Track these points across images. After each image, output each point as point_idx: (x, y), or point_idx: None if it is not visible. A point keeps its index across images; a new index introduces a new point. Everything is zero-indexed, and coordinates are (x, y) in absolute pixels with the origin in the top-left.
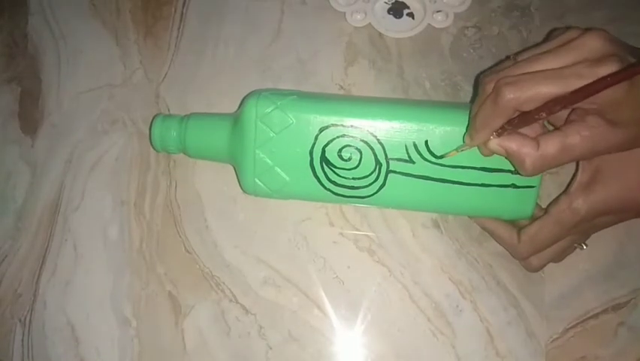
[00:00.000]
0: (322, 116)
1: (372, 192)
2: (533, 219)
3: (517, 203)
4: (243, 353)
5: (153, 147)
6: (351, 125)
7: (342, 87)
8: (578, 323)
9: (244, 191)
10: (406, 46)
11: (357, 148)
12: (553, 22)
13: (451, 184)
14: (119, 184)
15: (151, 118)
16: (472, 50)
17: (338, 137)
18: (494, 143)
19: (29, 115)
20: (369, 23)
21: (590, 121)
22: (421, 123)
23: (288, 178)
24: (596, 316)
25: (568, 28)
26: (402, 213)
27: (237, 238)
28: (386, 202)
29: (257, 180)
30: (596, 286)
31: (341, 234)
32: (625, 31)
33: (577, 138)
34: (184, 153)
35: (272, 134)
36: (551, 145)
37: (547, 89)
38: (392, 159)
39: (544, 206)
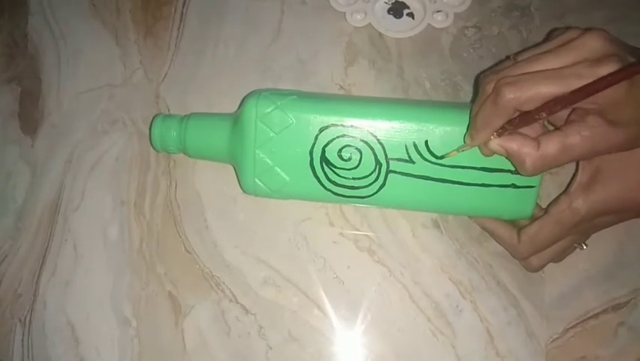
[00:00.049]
0: (322, 116)
1: (372, 192)
2: (533, 219)
3: (517, 203)
4: (243, 353)
5: (153, 147)
6: (351, 125)
7: (342, 87)
8: (578, 323)
9: (244, 191)
10: (406, 46)
11: (357, 148)
12: (553, 22)
13: (451, 184)
14: (119, 184)
15: (151, 118)
16: (472, 50)
17: (338, 137)
18: (495, 143)
19: (29, 115)
20: (369, 23)
21: (590, 121)
22: (421, 123)
23: (288, 178)
24: (596, 316)
25: (568, 28)
26: (402, 213)
27: (237, 238)
28: (386, 202)
29: (257, 180)
30: (596, 286)
31: (341, 234)
32: (625, 31)
33: (577, 137)
34: (184, 153)
35: (272, 134)
36: (552, 145)
37: (548, 89)
38: (392, 159)
39: (544, 206)
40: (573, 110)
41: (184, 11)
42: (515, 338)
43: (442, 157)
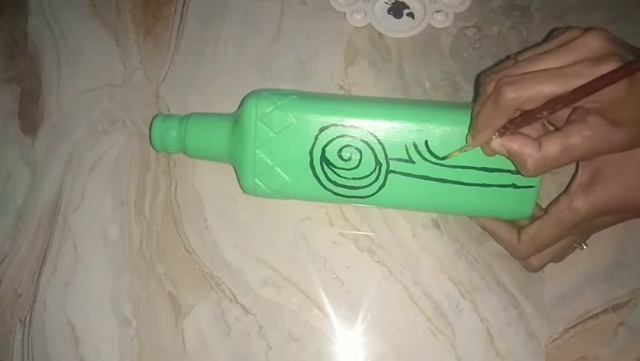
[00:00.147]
0: (322, 116)
1: (372, 192)
2: (533, 219)
3: (517, 203)
4: (243, 353)
5: (153, 147)
6: (351, 125)
7: (342, 87)
8: (578, 323)
9: (244, 191)
10: (406, 46)
11: (357, 148)
12: (553, 22)
13: (451, 184)
14: (119, 184)
15: (151, 118)
16: (472, 50)
17: (338, 137)
18: (496, 143)
19: (29, 115)
20: (369, 23)
21: (591, 121)
22: (421, 123)
23: (288, 178)
24: (596, 316)
25: (568, 28)
26: (402, 213)
27: (237, 238)
28: (386, 202)
29: (257, 180)
30: (596, 286)
31: (341, 234)
32: (625, 31)
33: (578, 138)
34: (184, 153)
35: (272, 134)
36: (553, 146)
37: (548, 88)
38: (392, 159)
39: (544, 206)
40: (574, 110)
41: (184, 11)
42: (515, 338)
43: (444, 158)
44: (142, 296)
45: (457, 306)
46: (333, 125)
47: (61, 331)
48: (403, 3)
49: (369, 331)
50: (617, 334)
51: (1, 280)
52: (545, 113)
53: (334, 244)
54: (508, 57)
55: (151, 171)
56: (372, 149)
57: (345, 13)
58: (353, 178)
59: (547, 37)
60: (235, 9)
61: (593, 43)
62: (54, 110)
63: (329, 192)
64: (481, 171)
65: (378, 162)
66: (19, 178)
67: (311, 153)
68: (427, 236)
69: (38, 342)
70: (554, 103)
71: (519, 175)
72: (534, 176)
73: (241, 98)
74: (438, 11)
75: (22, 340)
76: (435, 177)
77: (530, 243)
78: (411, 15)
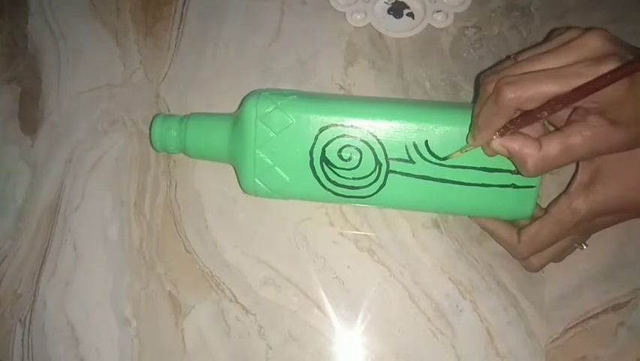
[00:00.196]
0: (322, 116)
1: (372, 192)
2: (533, 219)
3: (517, 203)
4: (243, 353)
5: (153, 147)
6: (351, 125)
7: (342, 87)
8: (578, 323)
9: (244, 191)
10: (406, 46)
11: (357, 148)
12: (553, 22)
13: (451, 184)
14: (119, 184)
15: (151, 118)
16: (472, 50)
17: (338, 137)
18: (497, 143)
19: (29, 115)
20: (369, 23)
21: (591, 121)
22: (421, 123)
23: (288, 178)
24: (596, 316)
25: (568, 28)
26: (402, 213)
27: (237, 238)
28: (386, 202)
29: (257, 180)
30: (596, 286)
31: (341, 234)
32: (625, 31)
33: (578, 138)
34: (184, 153)
35: (272, 134)
36: (553, 146)
37: (549, 88)
38: (392, 159)
39: (544, 206)
40: (574, 110)
41: (184, 11)
42: (515, 338)
43: (444, 158)
44: (142, 296)
45: (457, 306)
46: (333, 125)
47: (61, 331)
48: (403, 3)
49: (369, 331)
50: (617, 334)
51: (1, 280)
52: (545, 113)
53: (334, 244)
54: (508, 57)
55: (151, 171)
56: (372, 149)
57: (345, 13)
58: (353, 178)
59: (547, 37)
60: (235, 9)
61: (593, 43)
62: (54, 110)
63: (329, 192)
64: (481, 171)
65: (378, 162)
66: (19, 178)
67: (311, 153)
68: (427, 236)
69: (38, 342)
70: (554, 103)
71: (519, 175)
72: (534, 176)
73: (241, 98)
74: (438, 11)
75: (22, 340)
76: (435, 177)
77: (530, 243)
78: (411, 15)
